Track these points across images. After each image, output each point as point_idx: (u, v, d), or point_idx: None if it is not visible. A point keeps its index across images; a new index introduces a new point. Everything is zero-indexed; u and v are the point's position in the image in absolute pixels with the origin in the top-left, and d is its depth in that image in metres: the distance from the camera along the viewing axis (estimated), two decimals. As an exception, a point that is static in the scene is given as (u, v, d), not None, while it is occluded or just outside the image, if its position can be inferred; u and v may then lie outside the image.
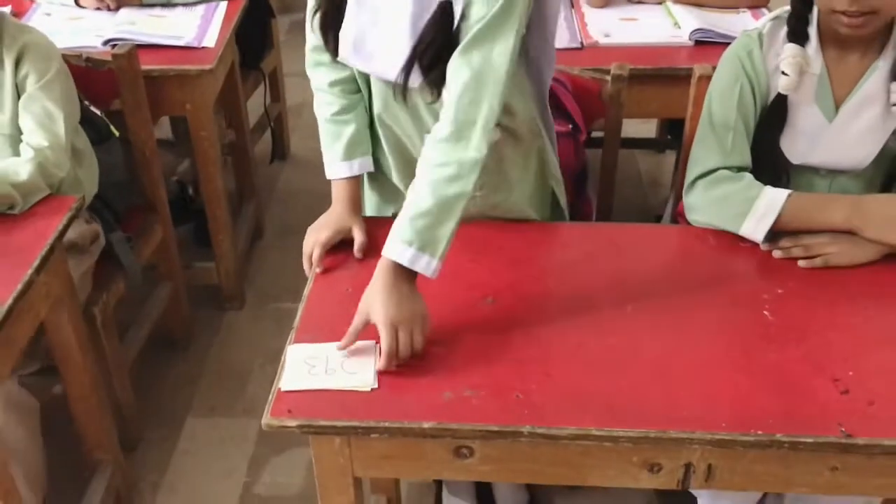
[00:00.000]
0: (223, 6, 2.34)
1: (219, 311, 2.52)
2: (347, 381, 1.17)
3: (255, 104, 2.89)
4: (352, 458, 1.18)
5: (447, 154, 1.24)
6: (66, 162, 1.68)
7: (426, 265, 1.22)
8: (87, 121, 1.88)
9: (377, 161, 1.53)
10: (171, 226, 2.22)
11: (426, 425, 1.12)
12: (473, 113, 1.23)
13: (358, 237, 1.42)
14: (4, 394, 1.58)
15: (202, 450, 2.10)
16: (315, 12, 1.38)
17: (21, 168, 1.58)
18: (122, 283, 1.95)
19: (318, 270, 1.40)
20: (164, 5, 2.31)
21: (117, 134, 1.98)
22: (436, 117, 1.31)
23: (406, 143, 1.46)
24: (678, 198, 1.78)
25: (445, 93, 1.27)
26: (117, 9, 2.29)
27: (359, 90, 1.47)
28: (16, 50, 1.68)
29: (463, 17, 1.25)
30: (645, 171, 3.10)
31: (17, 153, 1.67)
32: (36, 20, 2.26)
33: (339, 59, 1.39)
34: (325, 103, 1.48)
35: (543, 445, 1.14)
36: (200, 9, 2.31)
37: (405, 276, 1.23)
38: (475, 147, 1.23)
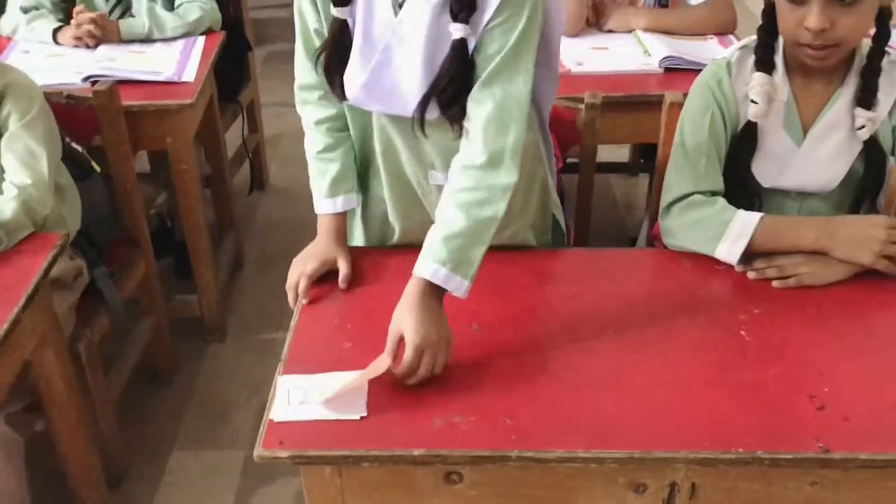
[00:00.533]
0: (201, 41, 2.37)
1: (201, 343, 2.53)
2: (338, 411, 1.19)
3: (233, 135, 2.92)
4: (342, 489, 1.20)
5: (479, 180, 1.29)
6: (50, 199, 1.69)
7: (458, 285, 1.26)
8: (68, 157, 1.89)
9: (374, 195, 1.55)
10: (153, 259, 2.23)
11: (416, 452, 1.14)
12: (502, 142, 1.29)
13: (343, 268, 1.44)
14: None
15: (188, 483, 2.10)
16: (319, 54, 1.40)
17: (5, 206, 1.59)
18: (105, 319, 1.96)
19: (304, 302, 1.41)
20: (143, 41, 2.34)
21: (98, 170, 2.00)
22: (442, 151, 1.39)
23: (410, 178, 1.49)
24: (653, 221, 1.82)
25: (468, 124, 1.32)
26: (96, 46, 2.31)
27: (345, 128, 1.50)
28: (-2, 89, 1.69)
29: (479, 50, 1.30)
30: (619, 194, 3.16)
31: (0, 192, 1.68)
32: (14, 57, 2.27)
33: (349, 101, 1.41)
34: (312, 141, 1.51)
35: (532, 469, 1.16)
36: (179, 44, 2.34)
37: (435, 295, 1.26)
38: (506, 173, 1.29)
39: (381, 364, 1.23)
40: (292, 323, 1.39)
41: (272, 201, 3.21)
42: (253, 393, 2.35)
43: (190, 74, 2.19)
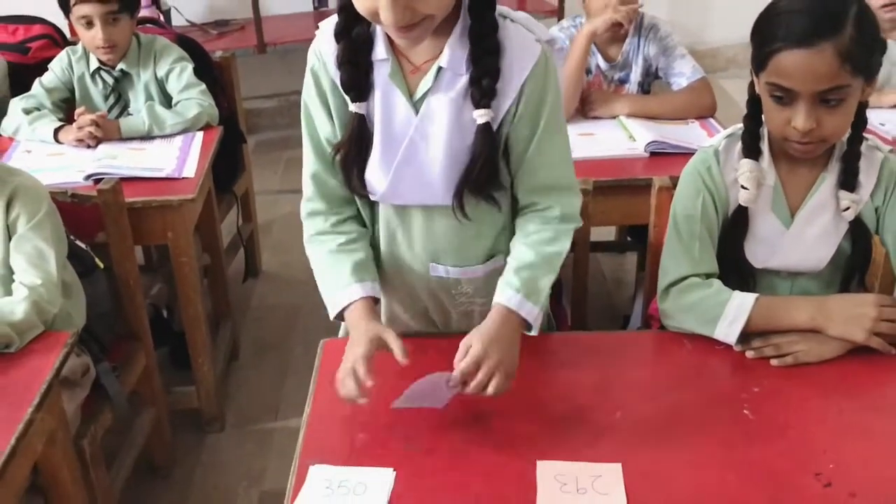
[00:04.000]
0: (200, 136, 2.43)
1: (199, 434, 2.52)
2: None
3: (227, 224, 2.96)
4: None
5: (547, 225, 1.44)
6: (59, 298, 1.72)
7: (529, 311, 1.37)
8: (73, 255, 1.92)
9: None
10: (153, 353, 2.24)
11: (436, 544, 1.15)
12: (566, 200, 1.45)
13: (395, 343, 1.32)
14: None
15: (191, 579, 2.08)
16: (337, 151, 1.41)
17: (16, 307, 1.62)
18: (109, 414, 1.96)
19: (369, 384, 1.30)
20: (142, 138, 2.40)
21: (102, 266, 2.03)
22: (453, 240, 1.46)
23: (410, 269, 1.52)
24: (647, 300, 1.87)
25: (526, 195, 1.44)
26: (97, 144, 2.36)
27: (364, 224, 1.51)
28: (7, 193, 1.73)
29: (515, 130, 1.38)
30: (608, 271, 3.22)
31: (8, 293, 1.70)
32: (17, 157, 2.33)
33: (373, 196, 1.44)
34: (329, 240, 1.47)
35: (549, 556, 1.18)
36: (178, 140, 2.40)
37: (514, 322, 1.37)
38: (571, 220, 1.46)
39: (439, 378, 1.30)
40: (305, 414, 1.40)
41: (266, 288, 3.24)
42: (252, 484, 2.34)
43: (190, 170, 2.25)
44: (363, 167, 1.41)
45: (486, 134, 1.35)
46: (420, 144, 1.37)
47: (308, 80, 1.42)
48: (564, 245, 1.44)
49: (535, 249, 1.41)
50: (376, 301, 1.47)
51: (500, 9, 1.35)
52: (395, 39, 1.33)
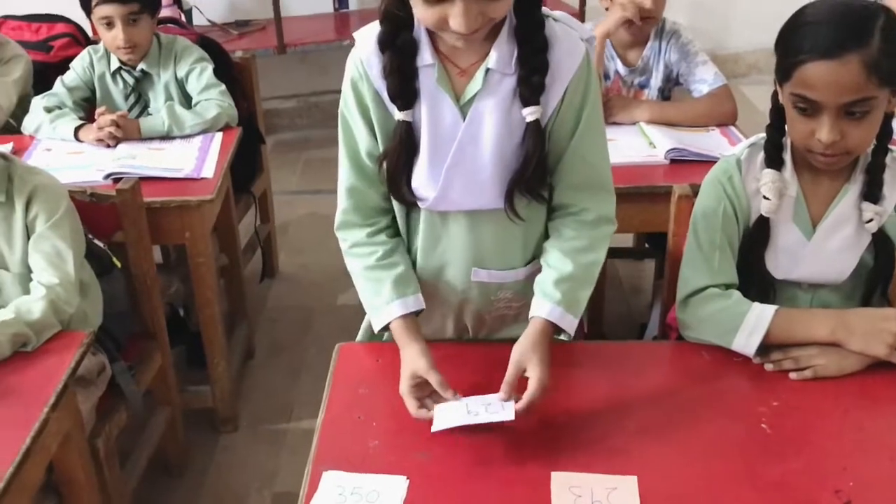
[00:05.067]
0: (219, 137, 2.44)
1: (213, 433, 2.52)
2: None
3: (244, 224, 2.97)
4: (372, 589, 1.20)
5: (582, 230, 1.44)
6: (76, 298, 1.72)
7: (569, 324, 1.39)
8: (90, 254, 1.92)
9: None
10: (168, 352, 2.24)
11: (448, 553, 1.15)
12: (601, 203, 1.46)
13: (433, 378, 1.33)
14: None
15: (203, 579, 2.08)
16: (383, 160, 1.40)
17: (34, 306, 1.62)
18: (123, 413, 1.97)
19: (423, 415, 1.32)
20: (162, 138, 2.40)
21: (119, 265, 2.03)
22: (500, 243, 1.46)
23: (448, 276, 1.51)
24: (665, 310, 1.85)
25: (564, 195, 1.44)
26: (116, 144, 2.37)
27: (397, 233, 1.51)
28: (26, 192, 1.74)
29: (556, 129, 1.38)
30: (625, 277, 3.20)
31: (26, 291, 1.71)
32: (37, 155, 2.34)
33: (423, 206, 1.43)
34: (366, 254, 1.47)
35: (562, 568, 1.17)
36: (197, 140, 2.41)
37: (551, 335, 1.38)
38: (606, 226, 1.47)
39: (496, 405, 1.30)
40: (319, 418, 1.39)
41: (282, 289, 3.24)
42: (265, 485, 2.34)
43: (209, 170, 2.25)
44: (410, 175, 1.40)
45: (537, 132, 1.35)
46: (469, 148, 1.37)
47: (347, 93, 1.41)
48: (601, 254, 1.45)
49: (574, 259, 1.42)
50: (419, 312, 1.47)
51: (542, 8, 1.36)
52: (451, 43, 1.32)
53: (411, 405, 1.33)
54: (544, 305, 1.39)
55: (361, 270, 1.48)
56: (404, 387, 1.34)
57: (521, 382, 1.33)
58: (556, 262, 1.43)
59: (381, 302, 1.44)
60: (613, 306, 2.99)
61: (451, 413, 1.32)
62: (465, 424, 1.29)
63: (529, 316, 1.41)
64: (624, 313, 3.01)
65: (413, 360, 1.37)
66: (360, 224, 1.48)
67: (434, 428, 1.30)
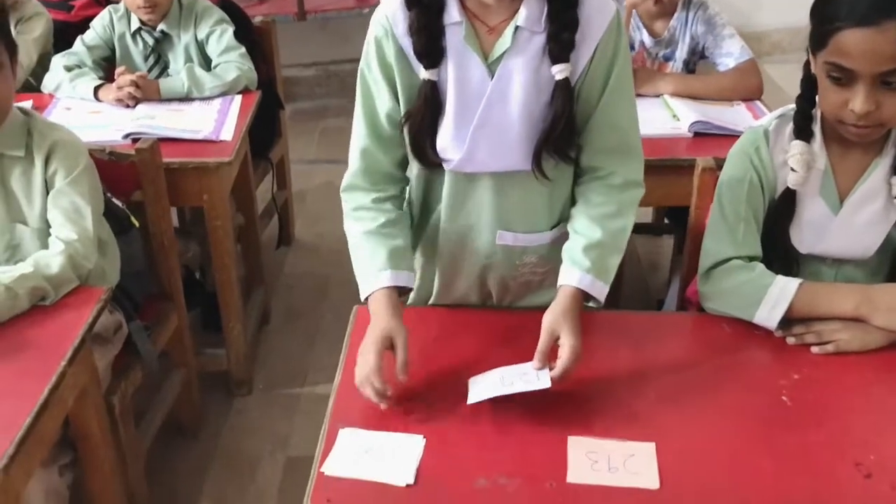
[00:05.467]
0: (238, 99, 2.43)
1: (227, 396, 2.53)
2: (386, 473, 1.19)
3: (261, 191, 2.96)
4: (385, 548, 1.20)
5: (610, 196, 1.42)
6: (94, 254, 1.72)
7: (600, 291, 1.38)
8: (108, 212, 1.92)
9: (425, 255, 1.56)
10: (185, 314, 2.25)
11: (463, 514, 1.14)
12: (630, 165, 1.43)
13: (399, 355, 1.32)
14: (45, 483, 1.58)
15: (214, 539, 2.09)
16: (407, 120, 1.38)
17: (52, 261, 1.62)
18: (139, 372, 1.97)
19: (388, 394, 1.29)
20: (181, 100, 2.39)
21: (137, 225, 2.03)
22: (526, 207, 1.44)
23: (473, 239, 1.49)
24: (685, 284, 1.83)
25: (591, 158, 1.42)
26: (136, 104, 2.36)
27: (402, 206, 1.48)
28: (46, 148, 1.73)
29: (585, 88, 1.36)
30: (643, 254, 3.18)
31: (45, 246, 1.71)
32: (57, 114, 2.33)
33: (448, 167, 1.41)
34: (368, 218, 1.44)
35: (577, 533, 1.16)
36: (217, 102, 2.40)
37: (581, 302, 1.37)
38: (634, 190, 1.45)
39: (531, 375, 1.29)
40: (336, 379, 1.39)
41: (298, 257, 3.24)
42: (278, 448, 2.35)
43: (228, 133, 2.24)
44: (434, 136, 1.38)
45: (566, 90, 1.33)
46: (496, 107, 1.35)
47: (370, 51, 1.39)
48: (629, 219, 1.43)
49: (602, 225, 1.40)
50: (404, 292, 1.44)
51: None
52: (482, 0, 1.31)
53: (377, 384, 1.27)
54: (574, 273, 1.37)
55: (360, 234, 1.44)
56: (372, 365, 1.28)
57: (552, 350, 1.32)
58: (584, 229, 1.41)
59: (374, 268, 1.40)
60: (631, 283, 2.97)
61: (486, 384, 1.31)
62: (501, 395, 1.27)
63: (558, 284, 1.39)
64: (641, 290, 2.99)
65: (387, 328, 1.32)
66: (367, 188, 1.46)
67: (470, 400, 1.29)
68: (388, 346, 1.32)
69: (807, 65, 1.46)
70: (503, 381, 1.30)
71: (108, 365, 1.83)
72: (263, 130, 2.78)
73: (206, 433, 2.41)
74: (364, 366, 1.30)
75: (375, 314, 1.37)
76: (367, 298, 1.41)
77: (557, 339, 1.32)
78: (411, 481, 1.18)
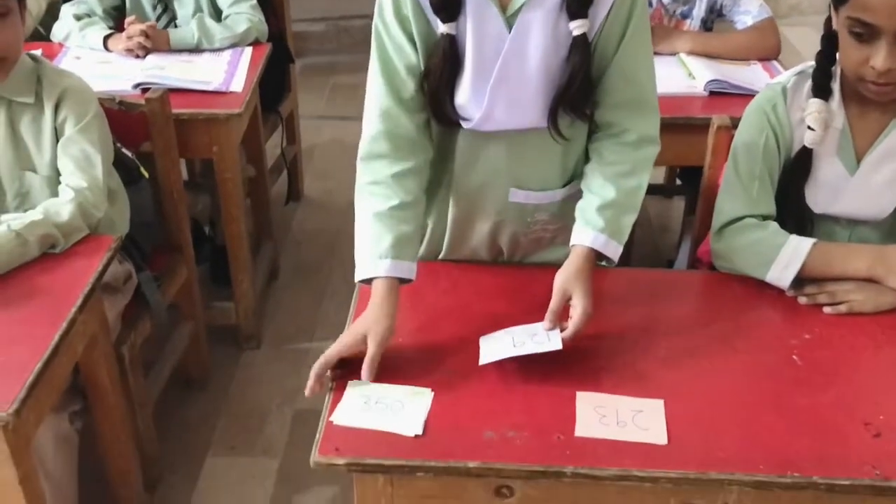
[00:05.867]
0: (248, 51, 2.40)
1: (235, 350, 2.54)
2: (395, 424, 1.19)
3: (270, 146, 2.94)
4: (393, 497, 1.20)
5: (625, 154, 1.40)
6: (104, 202, 1.71)
7: (614, 250, 1.37)
8: (118, 162, 1.91)
9: (437, 213, 1.54)
10: (194, 266, 2.25)
11: (471, 465, 1.15)
12: (645, 121, 1.41)
13: (368, 353, 1.25)
14: (54, 429, 1.60)
15: (223, 489, 2.11)
16: (426, 76, 1.35)
17: (62, 209, 1.62)
18: (148, 323, 1.98)
19: (313, 389, 1.25)
20: (191, 51, 2.37)
21: (147, 175, 2.02)
22: (540, 164, 1.43)
23: (485, 196, 1.47)
24: (696, 243, 1.82)
25: (605, 113, 1.40)
26: (146, 55, 2.34)
27: (423, 185, 1.42)
28: (55, 95, 1.72)
29: (601, 44, 1.34)
30: (654, 215, 3.16)
31: (54, 194, 1.70)
32: (66, 63, 2.31)
33: (467, 126, 1.38)
34: (383, 196, 1.36)
35: (584, 486, 1.17)
36: (227, 54, 2.37)
37: (594, 261, 1.36)
38: (649, 147, 1.42)
39: (542, 336, 1.29)
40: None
41: (306, 212, 3.23)
42: (285, 402, 2.37)
43: (238, 84, 2.22)
44: (453, 94, 1.35)
45: (583, 46, 1.31)
46: (514, 62, 1.32)
47: (385, 4, 1.34)
48: (644, 178, 1.41)
49: (616, 184, 1.38)
50: (404, 282, 1.35)
51: None
52: None
53: (319, 366, 1.24)
54: (587, 233, 1.36)
55: (371, 213, 1.35)
56: (344, 338, 1.27)
57: (564, 310, 1.32)
58: (598, 188, 1.39)
59: (376, 253, 1.32)
60: (641, 245, 2.96)
61: (497, 345, 1.30)
62: (512, 356, 1.27)
63: (571, 244, 1.37)
64: (650, 252, 2.98)
65: (377, 322, 1.27)
66: (389, 157, 1.37)
67: (481, 361, 1.29)
68: (363, 342, 1.27)
69: (828, 21, 1.43)
70: (514, 343, 1.29)
71: (118, 315, 1.83)
72: (273, 84, 2.76)
73: (215, 386, 2.42)
74: (328, 351, 1.26)
75: (370, 304, 1.31)
76: (361, 281, 1.36)
77: (569, 299, 1.31)
78: (419, 432, 1.18)
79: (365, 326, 1.28)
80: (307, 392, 1.24)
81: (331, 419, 1.20)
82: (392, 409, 1.21)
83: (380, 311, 1.29)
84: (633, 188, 1.40)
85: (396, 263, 1.33)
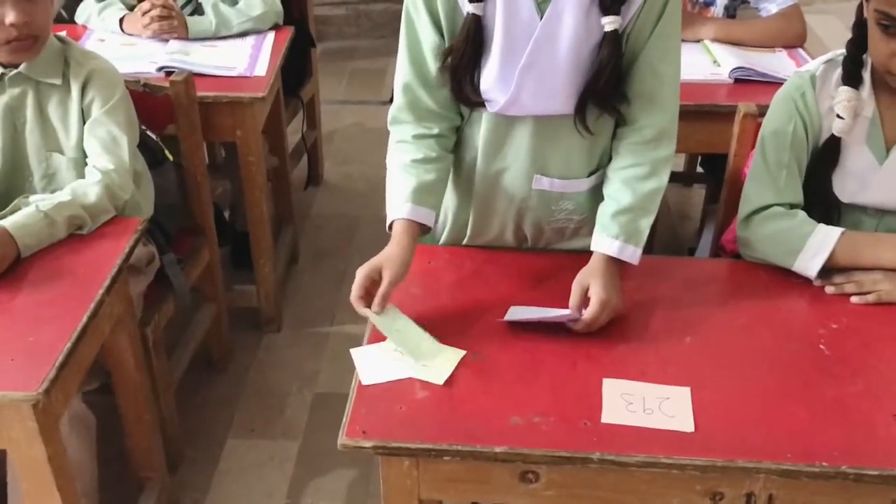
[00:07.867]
0: (271, 36, 2.40)
1: (256, 333, 2.56)
2: (422, 372, 1.25)
3: (290, 130, 2.94)
4: (419, 480, 1.21)
5: (642, 155, 1.39)
6: (130, 184, 1.72)
7: (631, 254, 1.38)
8: (143, 145, 1.92)
9: (460, 197, 1.54)
10: (216, 249, 2.26)
11: (497, 449, 1.15)
12: (662, 119, 1.40)
13: (383, 284, 1.33)
14: (70, 409, 1.61)
15: (243, 471, 2.13)
16: (448, 55, 1.36)
17: (89, 190, 1.63)
18: (171, 305, 1.99)
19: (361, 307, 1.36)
20: (213, 38, 2.37)
21: (171, 158, 2.03)
22: (567, 153, 1.42)
23: (509, 182, 1.47)
24: (719, 231, 1.82)
25: (625, 107, 1.38)
26: (168, 39, 2.34)
27: (448, 148, 1.45)
28: (82, 76, 1.73)
29: (630, 38, 1.33)
30: (673, 203, 3.15)
31: (80, 175, 1.71)
32: (91, 45, 2.32)
33: (491, 109, 1.38)
34: (409, 150, 1.42)
35: (610, 472, 1.17)
36: (250, 39, 2.37)
37: (616, 264, 1.38)
38: (666, 146, 1.41)
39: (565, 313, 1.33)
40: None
41: (326, 197, 3.23)
42: (305, 384, 2.38)
43: (261, 69, 2.23)
44: (474, 75, 1.36)
45: (614, 42, 1.30)
46: (545, 47, 1.31)
47: None
48: (663, 179, 1.40)
49: (633, 188, 1.38)
50: (426, 230, 1.44)
51: None
52: None
53: (358, 288, 1.33)
54: (604, 241, 1.38)
55: (398, 164, 1.43)
56: (363, 270, 1.34)
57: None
58: (615, 192, 1.40)
59: (399, 198, 1.40)
60: (660, 233, 2.94)
61: (523, 313, 1.35)
62: (534, 318, 1.32)
63: (591, 248, 1.39)
64: (671, 240, 2.97)
65: (390, 259, 1.34)
66: (412, 122, 1.43)
67: (505, 318, 1.33)
68: (378, 275, 1.34)
69: (860, 8, 1.42)
70: (539, 313, 1.34)
71: (140, 295, 1.84)
72: (295, 68, 2.75)
73: (235, 368, 2.44)
74: (353, 286, 1.35)
75: (389, 243, 1.38)
76: (390, 225, 1.42)
77: (587, 292, 1.33)
78: (441, 382, 1.24)
79: (380, 262, 1.34)
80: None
81: (360, 380, 1.24)
82: (421, 363, 1.27)
83: (395, 250, 1.36)
84: (651, 191, 1.40)
85: (415, 208, 1.39)
